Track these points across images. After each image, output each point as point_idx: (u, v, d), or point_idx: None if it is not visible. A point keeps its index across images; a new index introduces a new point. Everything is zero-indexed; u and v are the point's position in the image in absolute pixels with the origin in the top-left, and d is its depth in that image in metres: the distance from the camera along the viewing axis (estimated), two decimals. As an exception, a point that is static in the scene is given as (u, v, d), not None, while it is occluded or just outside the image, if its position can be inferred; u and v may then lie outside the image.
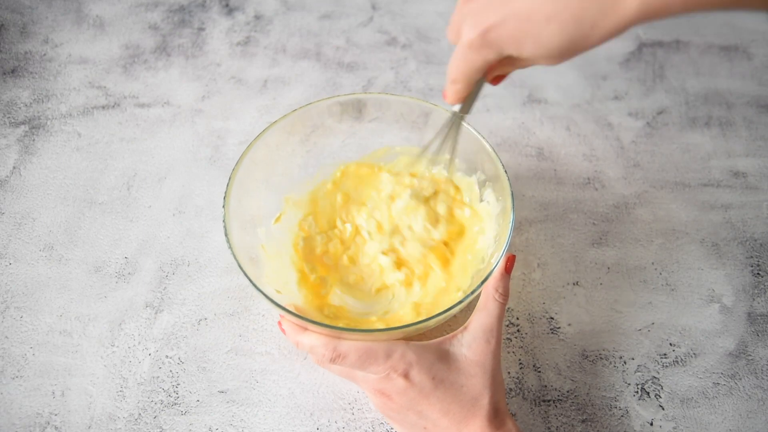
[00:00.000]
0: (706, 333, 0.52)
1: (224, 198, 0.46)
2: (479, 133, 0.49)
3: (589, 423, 0.47)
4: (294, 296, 0.49)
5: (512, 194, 0.46)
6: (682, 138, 0.66)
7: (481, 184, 0.52)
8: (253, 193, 0.50)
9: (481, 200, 0.52)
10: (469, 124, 0.48)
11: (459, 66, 0.38)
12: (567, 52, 0.32)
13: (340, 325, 0.47)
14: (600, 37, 0.31)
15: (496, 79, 0.41)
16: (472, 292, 0.42)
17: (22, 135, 0.64)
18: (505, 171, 0.47)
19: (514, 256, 0.44)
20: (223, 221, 0.45)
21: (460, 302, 0.42)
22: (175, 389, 0.48)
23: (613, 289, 0.54)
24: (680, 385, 0.49)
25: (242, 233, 0.47)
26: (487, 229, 0.51)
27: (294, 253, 0.52)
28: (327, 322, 0.47)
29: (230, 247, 0.44)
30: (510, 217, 0.45)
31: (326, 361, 0.40)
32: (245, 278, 0.54)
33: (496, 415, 0.39)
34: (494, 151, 0.48)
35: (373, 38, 0.75)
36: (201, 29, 0.75)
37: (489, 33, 0.34)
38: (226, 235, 0.44)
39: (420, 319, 0.41)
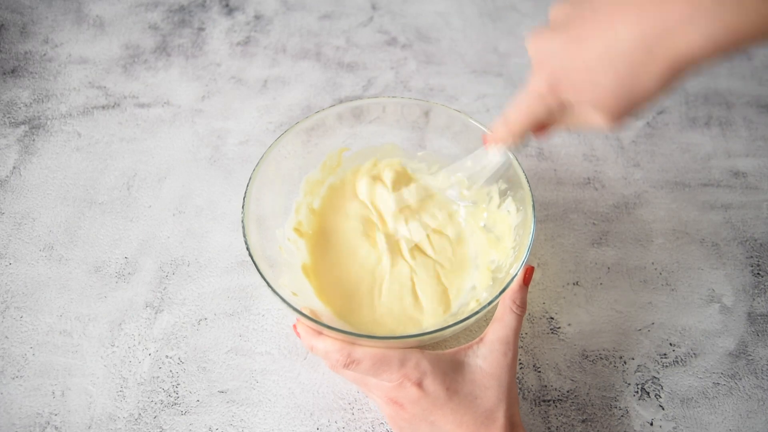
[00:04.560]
0: (706, 333, 0.52)
1: (244, 197, 0.46)
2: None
3: (589, 423, 0.47)
4: (310, 299, 0.50)
5: (534, 205, 0.46)
6: (682, 138, 0.66)
7: (502, 194, 0.52)
8: (270, 194, 0.50)
9: (501, 209, 0.52)
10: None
11: (522, 112, 0.37)
12: (621, 99, 0.30)
13: (356, 330, 0.47)
14: (651, 80, 0.29)
15: (540, 131, 0.40)
16: (489, 303, 0.42)
17: (22, 135, 0.64)
18: (528, 182, 0.47)
19: (532, 268, 0.44)
20: (242, 221, 0.45)
21: (477, 312, 0.42)
22: (175, 389, 0.48)
23: (613, 289, 0.54)
24: (680, 385, 0.49)
25: (259, 234, 0.47)
26: (506, 239, 0.51)
27: (304, 269, 0.52)
28: (343, 327, 0.47)
29: (248, 248, 0.44)
30: (531, 228, 0.45)
31: (340, 367, 0.40)
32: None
33: (512, 428, 0.39)
34: (517, 160, 0.48)
35: (373, 38, 0.75)
36: (201, 29, 0.75)
37: (557, 84, 0.33)
38: (244, 235, 0.44)
39: (436, 327, 0.41)
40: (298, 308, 0.41)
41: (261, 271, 0.43)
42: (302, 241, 0.53)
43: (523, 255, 0.44)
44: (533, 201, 0.46)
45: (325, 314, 0.49)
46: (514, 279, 0.43)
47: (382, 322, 0.50)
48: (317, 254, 0.53)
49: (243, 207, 0.46)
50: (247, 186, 0.47)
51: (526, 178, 0.47)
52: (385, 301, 0.51)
